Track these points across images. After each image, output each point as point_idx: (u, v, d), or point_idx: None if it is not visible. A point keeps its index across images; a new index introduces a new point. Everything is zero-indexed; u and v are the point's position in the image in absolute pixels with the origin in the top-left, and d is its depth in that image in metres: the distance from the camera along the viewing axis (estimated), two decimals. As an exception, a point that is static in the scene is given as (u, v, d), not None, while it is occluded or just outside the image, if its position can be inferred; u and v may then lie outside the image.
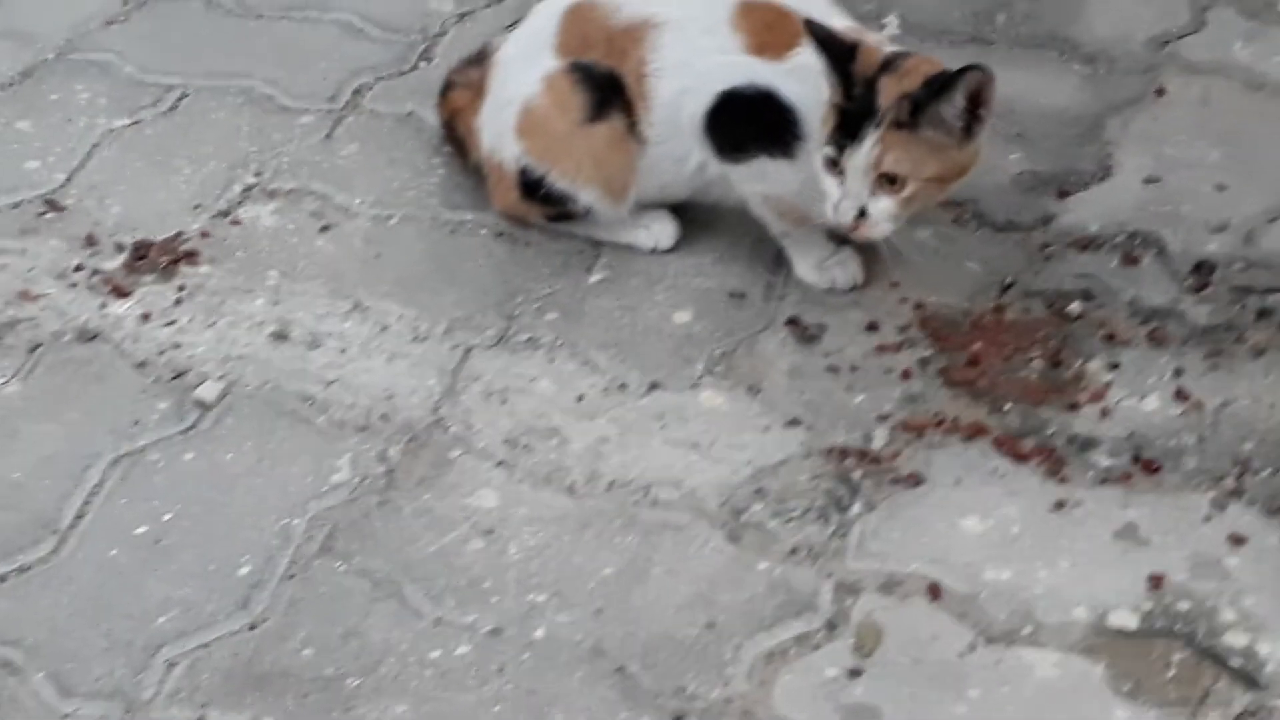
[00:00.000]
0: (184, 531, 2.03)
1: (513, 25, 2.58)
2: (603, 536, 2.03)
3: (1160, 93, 2.78)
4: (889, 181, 2.17)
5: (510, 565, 1.99)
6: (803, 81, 2.26)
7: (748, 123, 2.31)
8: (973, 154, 2.22)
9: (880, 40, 2.30)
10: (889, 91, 2.16)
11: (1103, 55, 2.88)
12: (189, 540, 2.02)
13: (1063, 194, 2.55)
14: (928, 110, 2.15)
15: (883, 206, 2.19)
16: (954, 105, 2.15)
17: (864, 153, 2.16)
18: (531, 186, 2.43)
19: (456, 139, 2.59)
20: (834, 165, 2.19)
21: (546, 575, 1.98)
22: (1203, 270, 2.39)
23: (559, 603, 1.95)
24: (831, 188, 2.21)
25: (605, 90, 2.35)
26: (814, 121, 2.26)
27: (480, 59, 2.62)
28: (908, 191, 2.18)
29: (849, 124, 2.17)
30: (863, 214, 2.20)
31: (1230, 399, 2.19)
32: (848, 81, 2.17)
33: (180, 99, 2.81)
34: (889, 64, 2.19)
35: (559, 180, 2.40)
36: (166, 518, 2.05)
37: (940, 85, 2.15)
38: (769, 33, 2.30)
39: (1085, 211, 2.52)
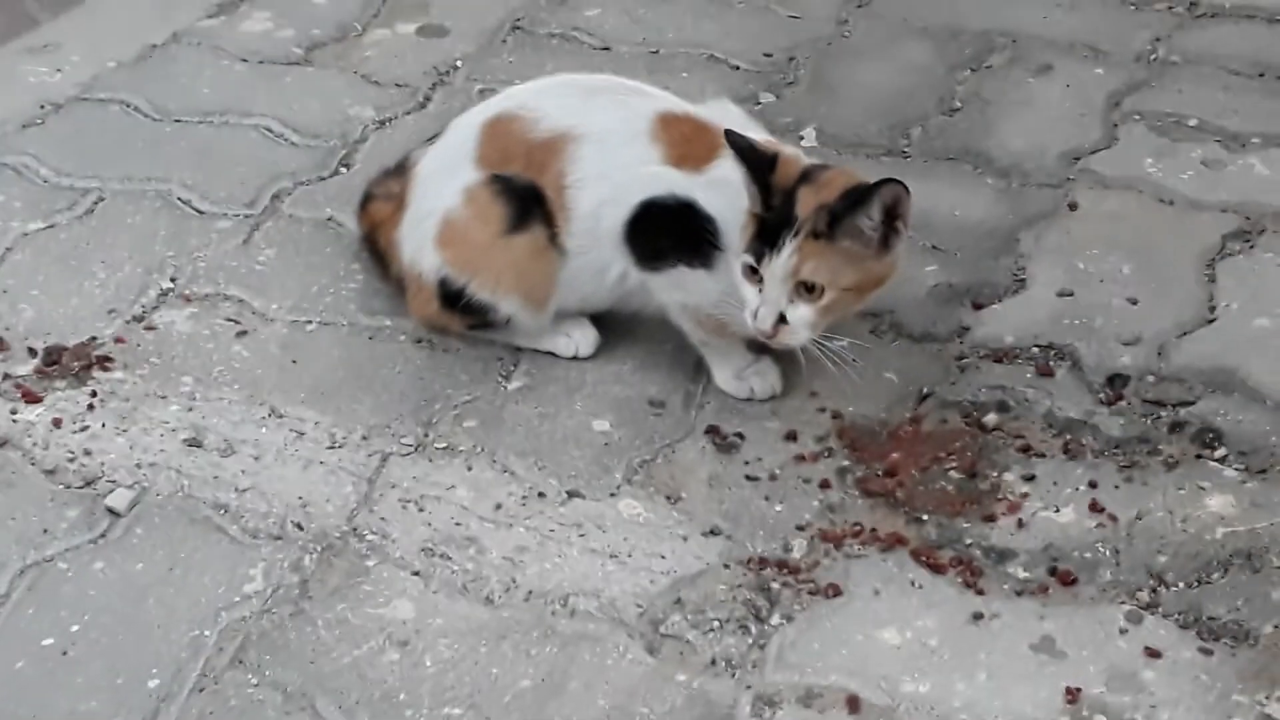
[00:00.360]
0: (92, 643, 1.99)
1: (433, 136, 2.58)
2: (520, 648, 2.01)
3: (1073, 207, 2.82)
4: (807, 290, 2.19)
5: (426, 678, 1.96)
6: (722, 193, 2.28)
7: (667, 232, 2.32)
8: (890, 265, 2.24)
9: (798, 153, 2.33)
10: (807, 202, 2.18)
11: (1016, 169, 2.93)
12: (97, 652, 1.98)
13: (978, 306, 2.58)
14: (845, 221, 2.17)
15: (801, 314, 2.21)
16: (870, 217, 2.17)
17: (782, 261, 2.17)
18: (451, 297, 2.43)
19: (377, 252, 2.59)
20: (753, 273, 2.21)
21: (462, 688, 1.95)
22: (1116, 383, 2.42)
23: (475, 716, 1.92)
24: (750, 295, 2.22)
25: (526, 201, 2.36)
26: (733, 233, 2.28)
27: (400, 171, 2.63)
28: (825, 300, 2.20)
29: (768, 233, 2.19)
30: (781, 320, 2.21)
31: (1144, 511, 2.21)
32: (767, 191, 2.19)
33: (96, 203, 2.79)
34: (808, 175, 2.22)
35: (479, 291, 2.40)
36: (74, 629, 2.01)
37: (857, 197, 2.17)
38: (687, 145, 2.32)
39: (1000, 323, 2.55)
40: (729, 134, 2.21)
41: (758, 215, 2.21)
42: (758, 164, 2.20)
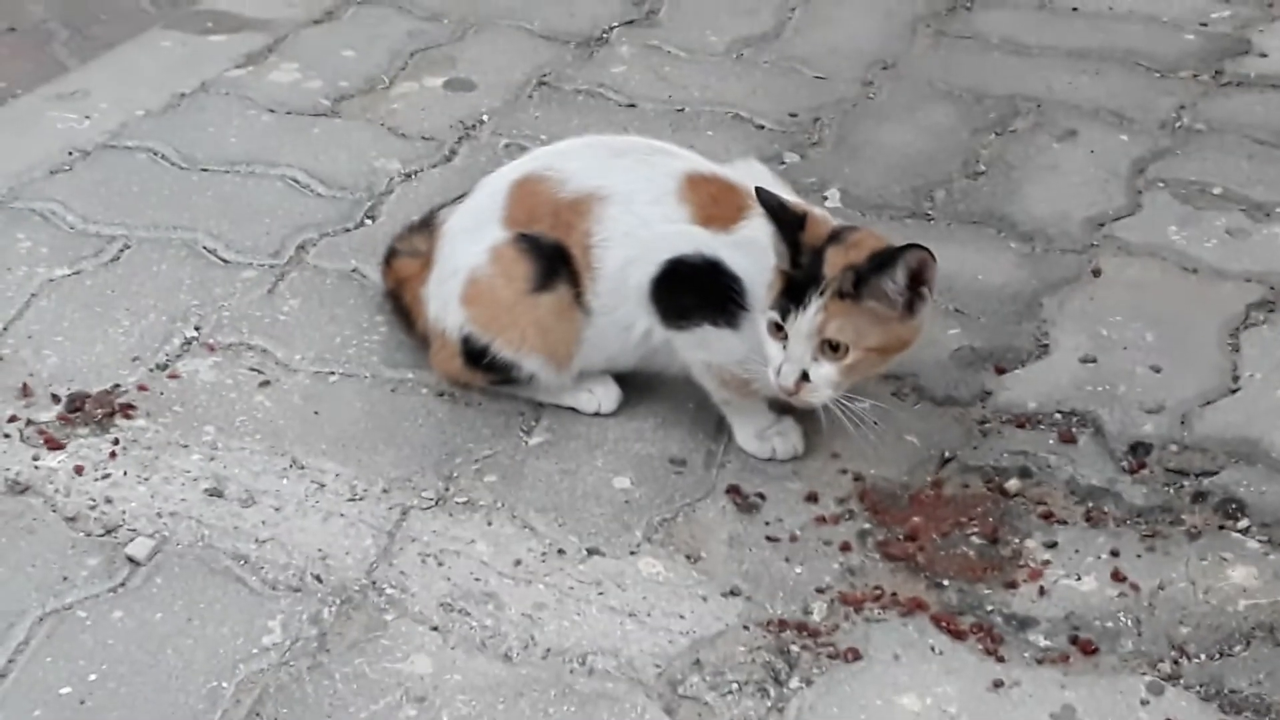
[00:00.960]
0: (109, 693, 1.98)
1: (461, 195, 2.58)
2: (538, 706, 2.00)
3: (1096, 273, 2.82)
4: (831, 349, 2.19)
5: (443, 734, 1.96)
6: (748, 253, 2.28)
7: (693, 291, 2.33)
8: (915, 329, 2.24)
9: (826, 214, 2.33)
10: (835, 262, 2.18)
11: (1040, 234, 2.94)
12: (114, 702, 1.97)
13: (1000, 370, 2.58)
14: (870, 283, 2.17)
15: (824, 372, 2.21)
16: (895, 281, 2.17)
17: (808, 318, 2.18)
18: (475, 355, 2.43)
19: (402, 308, 2.59)
20: (778, 329, 2.21)
21: (480, 746, 1.95)
22: (1139, 451, 2.42)
23: (491, 774, 1.91)
24: (774, 351, 2.22)
25: (552, 260, 2.37)
26: (758, 292, 2.28)
27: (424, 225, 2.64)
28: (849, 360, 2.20)
29: (794, 290, 2.19)
30: (804, 378, 2.21)
31: (1166, 581, 2.19)
32: (795, 249, 2.20)
33: (122, 250, 2.80)
34: (836, 236, 2.22)
35: (503, 349, 2.41)
36: (92, 678, 2.00)
37: (883, 260, 2.18)
38: (715, 205, 2.33)
39: (1023, 389, 2.54)
40: (759, 191, 2.22)
41: (785, 273, 2.21)
42: (788, 222, 2.21)
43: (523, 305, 2.39)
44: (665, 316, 2.35)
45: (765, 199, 2.21)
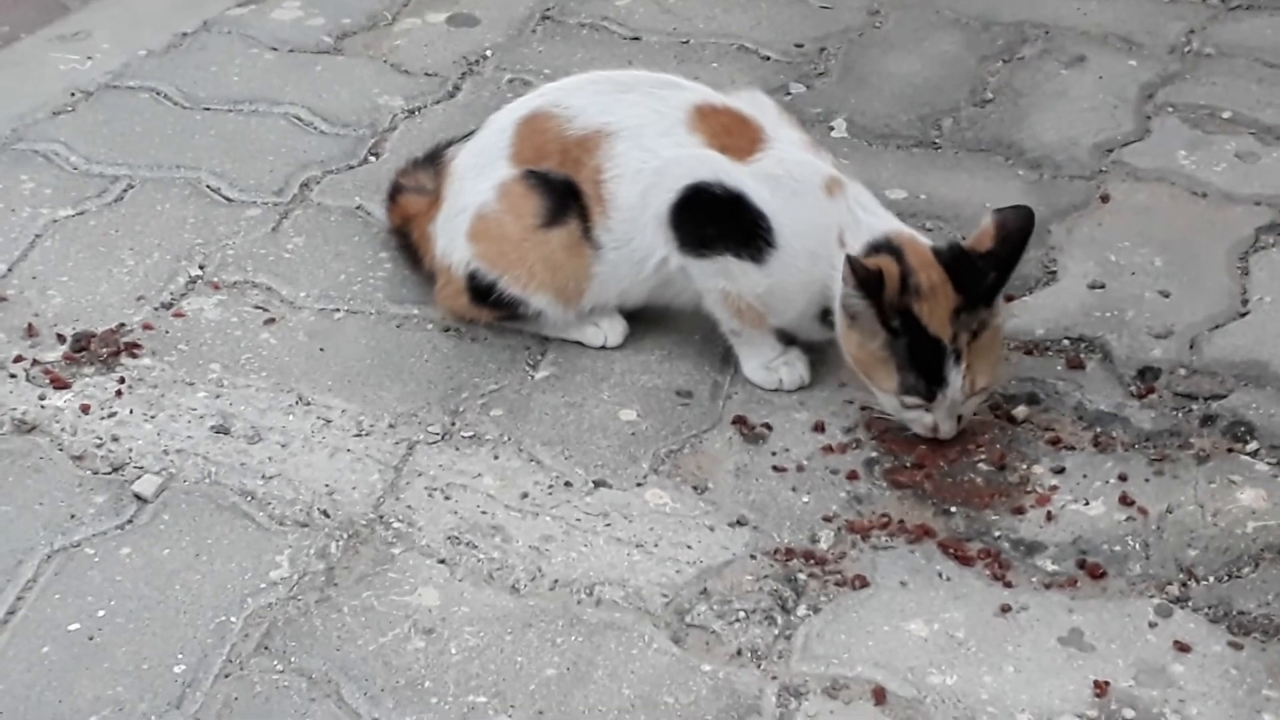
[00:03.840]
0: (118, 629, 1.99)
1: (469, 132, 2.56)
2: (545, 636, 2.00)
3: (1105, 199, 2.80)
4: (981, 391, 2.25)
5: (451, 665, 1.96)
6: (773, 190, 2.27)
7: (716, 220, 2.30)
8: (999, 307, 2.28)
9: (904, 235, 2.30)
10: (936, 317, 2.19)
11: (1048, 161, 2.92)
12: (123, 638, 1.98)
13: (1009, 298, 2.56)
14: (991, 305, 2.23)
15: (975, 402, 2.27)
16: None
17: (956, 390, 2.22)
18: (481, 291, 2.42)
19: (409, 245, 2.58)
20: (922, 407, 2.24)
21: (487, 676, 1.95)
22: (1147, 376, 2.41)
23: (499, 704, 1.91)
24: (922, 418, 2.25)
25: (562, 196, 2.36)
26: (785, 232, 2.27)
27: (429, 161, 2.63)
28: (996, 379, 2.27)
29: (921, 366, 2.21)
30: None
31: (1174, 505, 2.19)
32: (883, 314, 2.20)
33: (126, 190, 2.79)
34: (905, 286, 2.20)
35: (511, 286, 2.40)
36: (100, 614, 2.01)
37: (987, 284, 2.22)
38: (728, 135, 2.32)
39: (1031, 316, 2.53)
40: (849, 260, 2.18)
41: (889, 345, 2.21)
42: (873, 286, 2.18)
43: (531, 241, 2.38)
44: (685, 243, 2.33)
45: (855, 267, 2.18)
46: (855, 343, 2.24)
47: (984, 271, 2.22)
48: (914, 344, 2.20)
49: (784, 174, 2.28)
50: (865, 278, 2.17)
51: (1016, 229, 2.23)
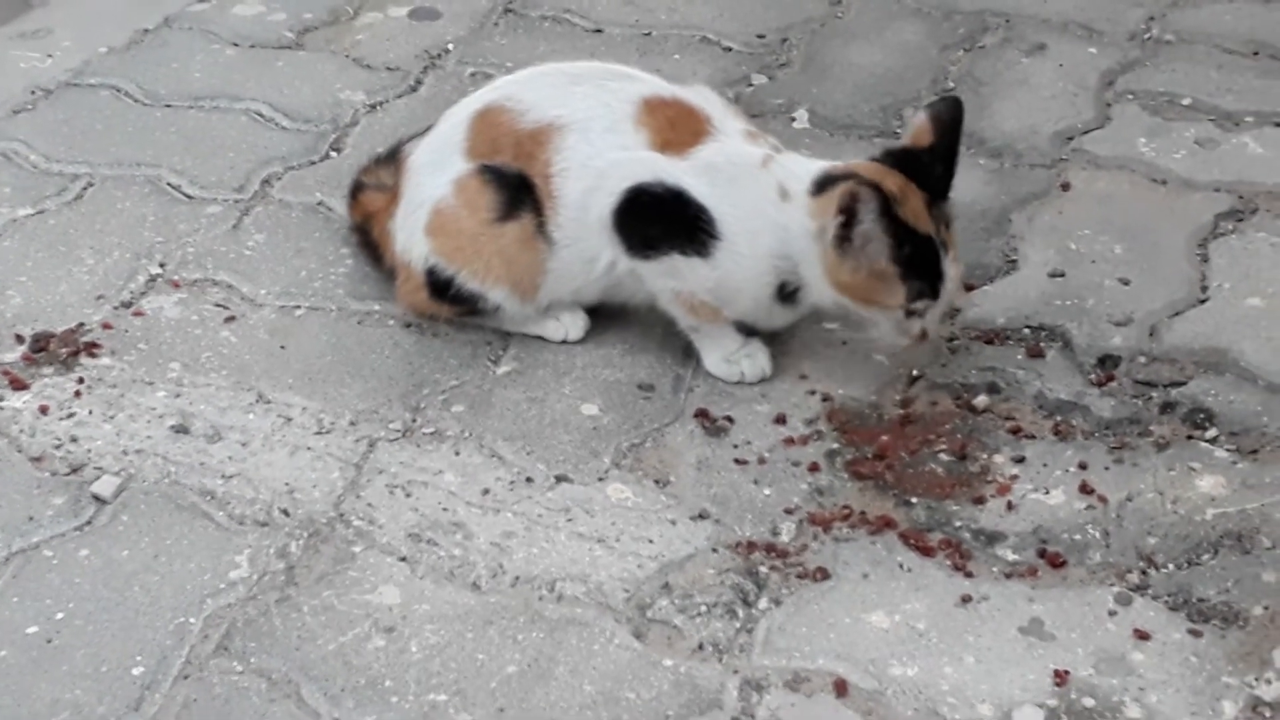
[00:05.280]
0: (76, 631, 1.98)
1: (427, 128, 2.55)
2: (506, 634, 2.00)
3: (1065, 187, 2.81)
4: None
5: (411, 664, 1.96)
6: (711, 180, 2.27)
7: (659, 220, 2.31)
8: None
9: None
10: (920, 217, 2.22)
11: (1009, 149, 2.92)
12: (81, 640, 1.97)
13: (969, 287, 2.57)
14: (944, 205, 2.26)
15: (957, 271, 2.30)
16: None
17: (952, 280, 2.26)
18: (440, 286, 2.42)
19: (370, 242, 2.57)
20: (923, 311, 2.27)
21: (448, 674, 1.94)
22: (1107, 364, 2.41)
23: (460, 702, 1.91)
24: (912, 326, 2.28)
25: (516, 190, 2.35)
26: (727, 221, 2.27)
27: (390, 158, 2.62)
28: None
29: (920, 267, 2.23)
30: None
31: (1134, 493, 2.20)
32: (896, 224, 2.21)
33: (86, 188, 2.78)
34: (887, 203, 2.20)
35: (468, 281, 2.40)
36: (59, 616, 2.00)
37: (942, 173, 2.26)
38: (672, 130, 2.31)
39: (991, 305, 2.54)
40: (846, 192, 2.18)
41: (896, 257, 2.22)
42: (883, 201, 2.19)
43: (487, 235, 2.37)
44: (631, 247, 2.33)
45: (851, 190, 2.19)
46: (849, 271, 2.23)
47: (933, 165, 2.24)
48: (914, 248, 2.21)
49: (723, 161, 2.28)
50: (868, 197, 2.17)
51: (950, 119, 2.26)
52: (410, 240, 2.44)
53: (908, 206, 2.20)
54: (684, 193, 2.28)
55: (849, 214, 2.17)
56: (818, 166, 2.31)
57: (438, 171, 2.41)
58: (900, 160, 2.26)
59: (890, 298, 2.24)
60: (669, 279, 2.34)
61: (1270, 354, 2.41)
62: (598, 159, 2.31)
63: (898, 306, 2.24)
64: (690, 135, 2.30)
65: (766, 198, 2.27)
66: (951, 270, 2.24)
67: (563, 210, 2.34)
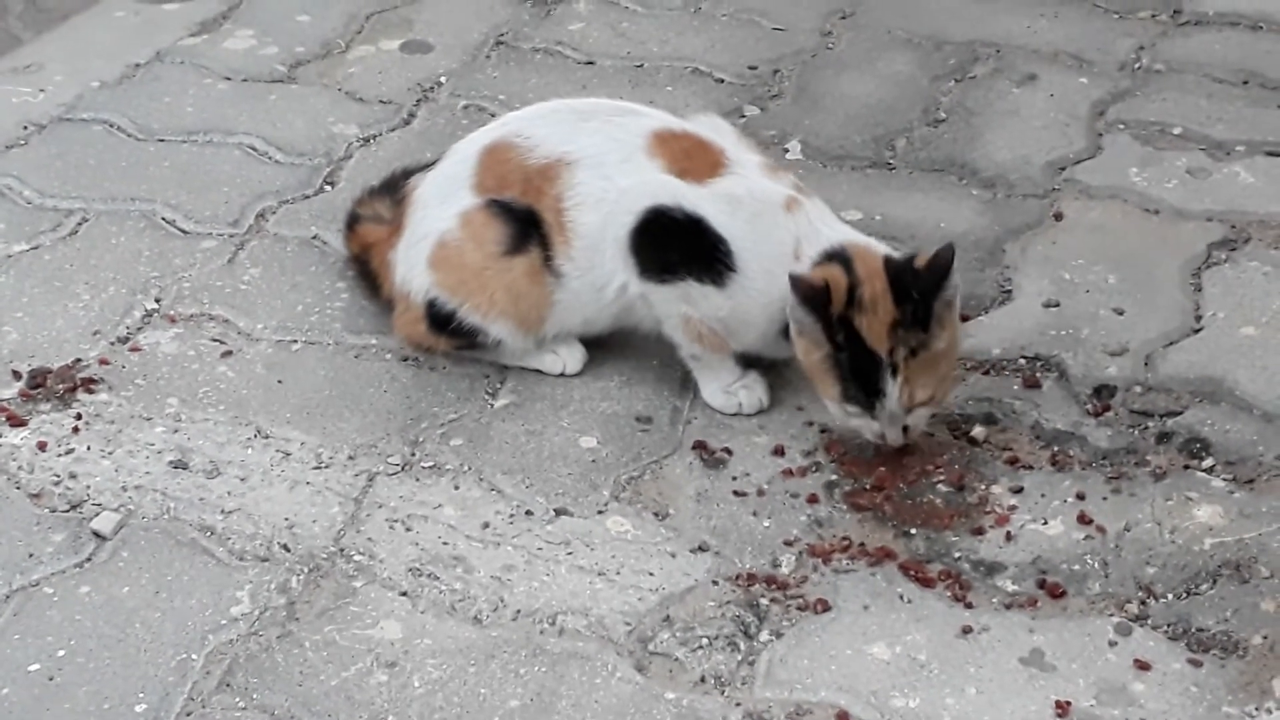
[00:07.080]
0: (78, 668, 1.98)
1: (432, 162, 2.56)
2: (508, 668, 2.00)
3: (1058, 217, 2.82)
4: (923, 403, 2.25)
5: (414, 699, 1.95)
6: (731, 212, 2.29)
7: (676, 245, 2.31)
8: (955, 326, 2.27)
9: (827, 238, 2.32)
10: (874, 330, 2.20)
11: (1001, 180, 2.93)
12: (83, 677, 1.97)
13: (964, 318, 2.57)
14: (924, 324, 2.21)
15: (920, 416, 2.27)
16: (944, 298, 2.22)
17: (894, 401, 2.22)
18: (441, 320, 2.42)
19: (368, 273, 2.58)
20: (865, 415, 2.25)
21: (451, 709, 1.94)
22: (1103, 394, 2.42)
23: (464, 737, 1.91)
24: (868, 426, 2.26)
25: (524, 224, 2.36)
26: (745, 255, 2.29)
27: (385, 190, 2.63)
28: (939, 396, 2.26)
29: (860, 378, 2.22)
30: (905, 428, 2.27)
31: (1132, 522, 2.20)
32: (829, 327, 2.22)
33: (80, 224, 2.78)
34: (851, 300, 2.21)
35: (470, 314, 2.40)
36: (60, 654, 2.00)
37: (919, 301, 2.21)
38: (688, 159, 2.33)
39: (986, 335, 2.55)
40: (792, 277, 2.21)
41: (834, 358, 2.23)
42: (816, 300, 2.21)
43: (493, 269, 2.38)
44: (645, 269, 2.33)
45: (799, 284, 2.21)
46: (803, 350, 2.27)
47: (916, 290, 2.22)
48: (854, 356, 2.22)
49: (745, 194, 2.30)
50: (809, 294, 2.20)
51: (944, 262, 2.23)
52: (411, 272, 2.44)
53: (867, 317, 2.21)
54: (703, 220, 2.29)
55: (798, 296, 2.21)
56: (835, 233, 2.32)
57: (444, 204, 2.42)
58: (899, 272, 2.24)
59: (828, 389, 2.27)
60: (681, 304, 2.34)
61: (1265, 383, 2.43)
62: (613, 189, 2.33)
63: (834, 400, 2.27)
64: (707, 166, 2.32)
65: (784, 248, 2.29)
66: (894, 392, 2.21)
67: (576, 241, 2.35)
